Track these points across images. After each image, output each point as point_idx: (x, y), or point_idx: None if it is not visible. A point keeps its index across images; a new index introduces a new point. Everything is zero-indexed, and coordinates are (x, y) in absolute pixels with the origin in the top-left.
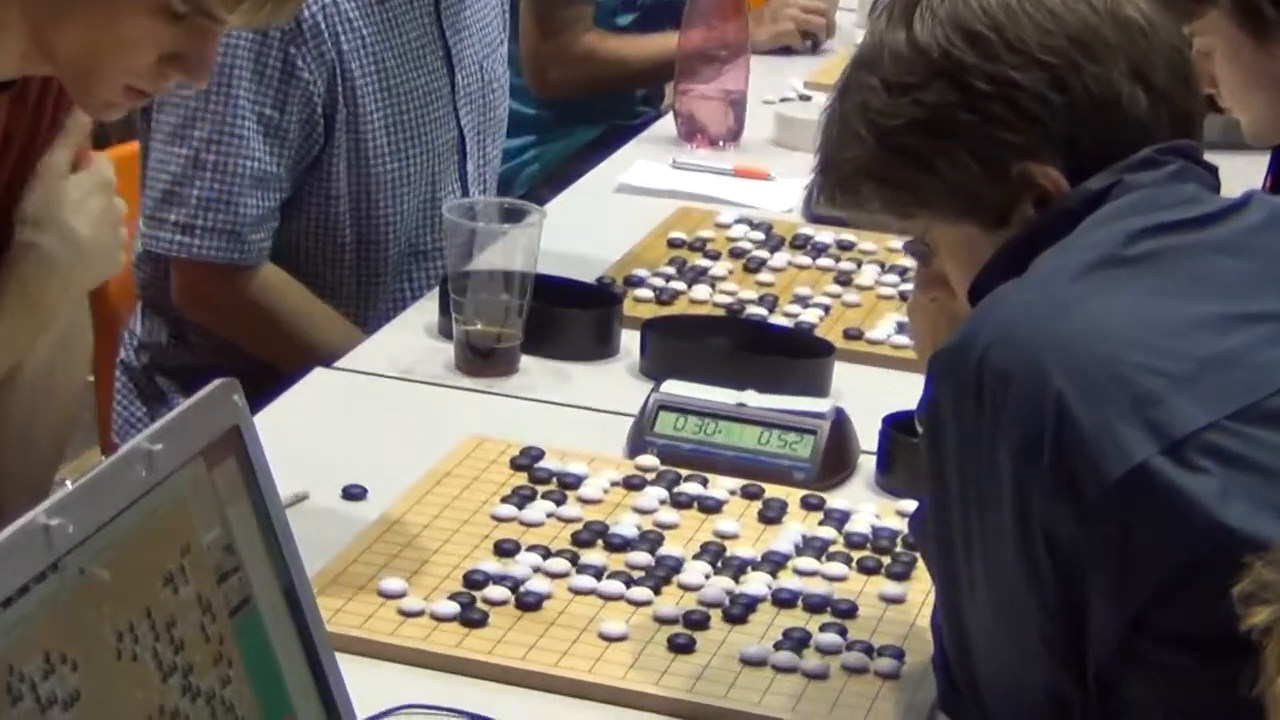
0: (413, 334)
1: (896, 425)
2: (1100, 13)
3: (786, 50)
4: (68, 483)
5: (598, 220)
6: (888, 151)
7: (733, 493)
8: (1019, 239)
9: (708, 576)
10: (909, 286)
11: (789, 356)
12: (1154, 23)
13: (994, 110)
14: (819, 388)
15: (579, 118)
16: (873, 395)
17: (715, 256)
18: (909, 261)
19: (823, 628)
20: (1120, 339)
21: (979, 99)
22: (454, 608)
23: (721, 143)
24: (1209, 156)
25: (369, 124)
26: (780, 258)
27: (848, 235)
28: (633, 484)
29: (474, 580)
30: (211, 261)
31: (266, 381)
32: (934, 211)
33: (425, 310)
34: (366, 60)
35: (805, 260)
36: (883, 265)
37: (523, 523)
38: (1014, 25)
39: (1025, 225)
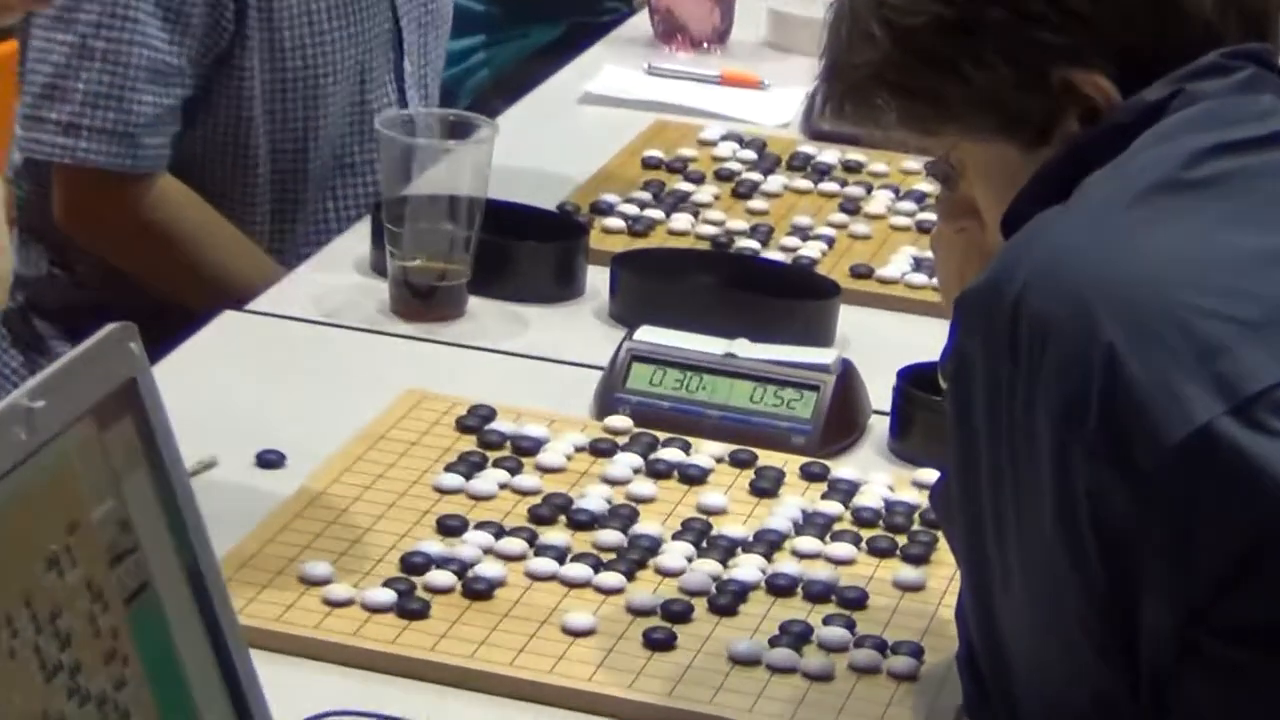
0: (340, 270)
1: (914, 380)
2: None
3: None
4: None
5: (559, 136)
6: (907, 55)
7: (719, 460)
8: (1061, 159)
9: (690, 559)
10: (929, 216)
11: (786, 298)
12: None
13: (1034, 6)
14: (822, 335)
15: (536, 14)
16: (886, 345)
17: (698, 179)
18: (930, 186)
19: (827, 620)
20: (1181, 278)
21: None
22: (389, 596)
23: (705, 44)
24: None
25: (285, 8)
26: (775, 181)
27: (856, 155)
28: (601, 450)
29: (413, 564)
30: (99, 168)
31: (165, 325)
32: (961, 126)
33: (354, 242)
34: None
35: (805, 184)
36: (897, 190)
37: (471, 495)
38: None
39: (1069, 143)
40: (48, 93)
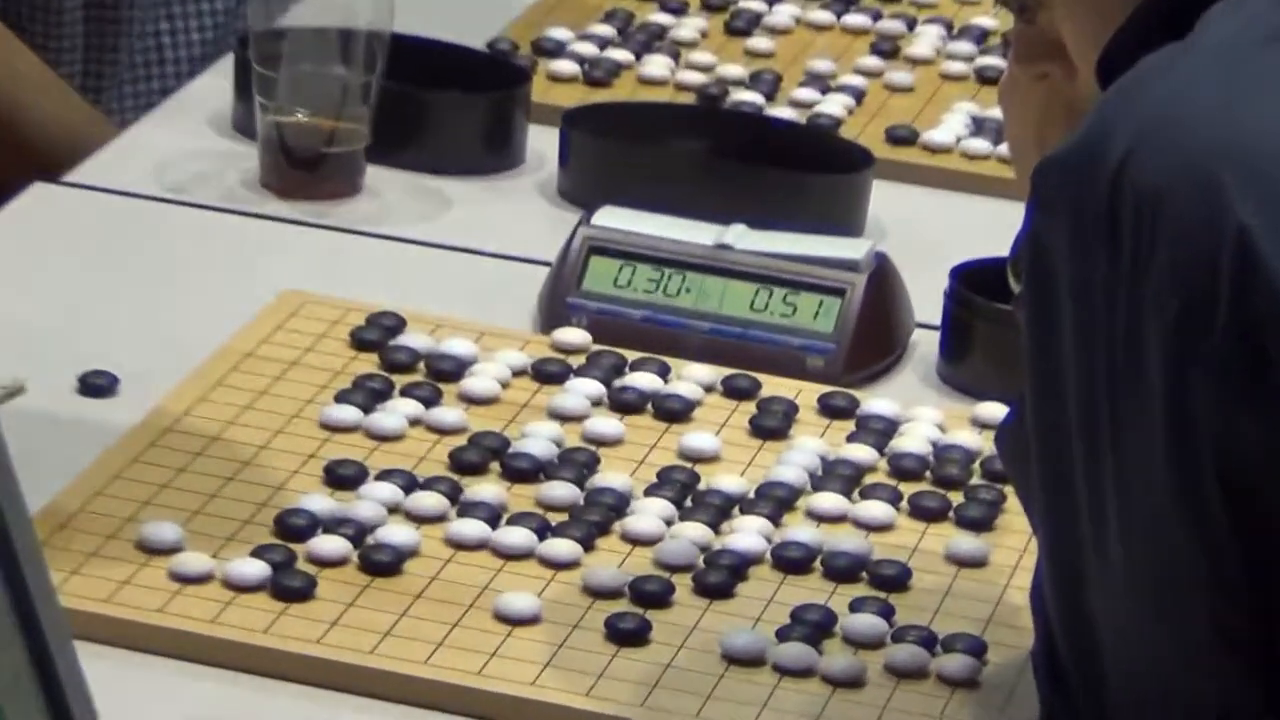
0: (190, 128)
1: (973, 282)
2: None
3: None
4: None
5: None
6: None
7: (709, 389)
8: None
9: (670, 523)
10: (993, 60)
11: (801, 170)
12: None
13: None
14: (849, 221)
15: None
16: (934, 235)
17: (679, 9)
18: (990, 19)
19: (855, 605)
20: None
21: None
22: (261, 570)
23: None
24: None
25: None
26: (784, 12)
27: None
28: (548, 373)
29: (293, 527)
30: None
31: None
32: None
33: (210, 90)
34: None
35: (825, 16)
36: (949, 25)
37: (371, 434)
38: None
39: None
40: None
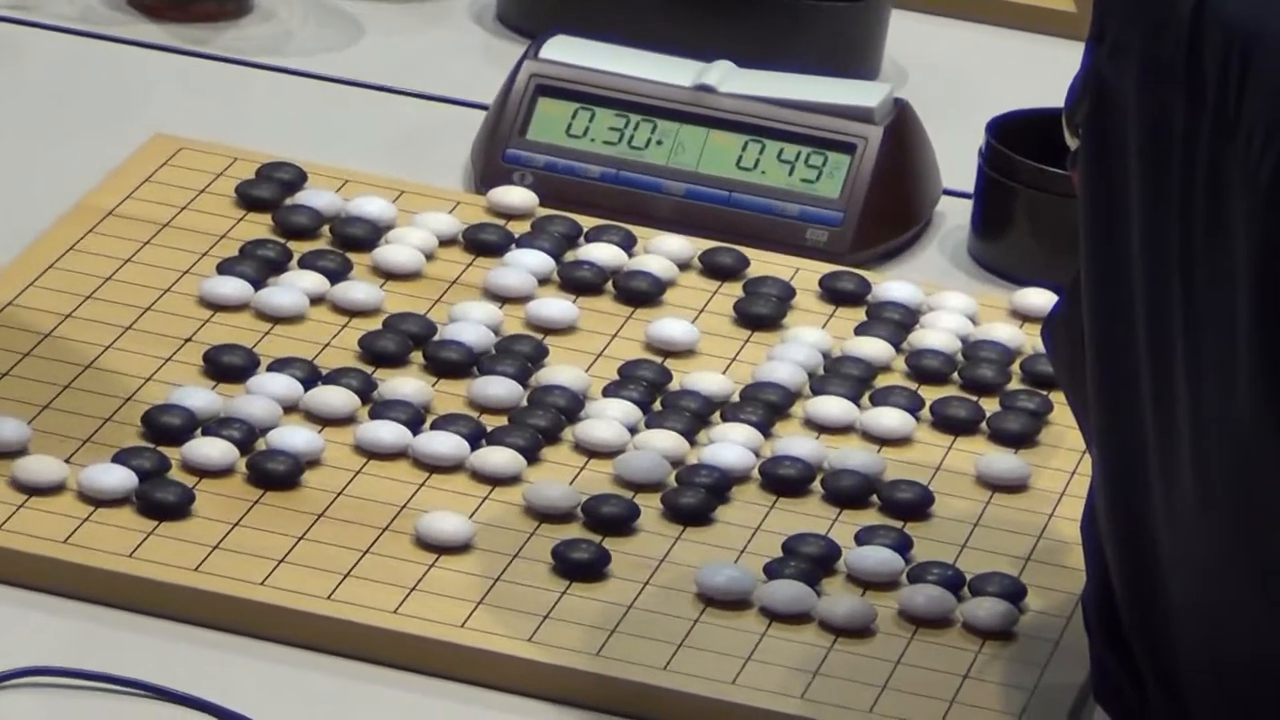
0: None
1: (1013, 137)
2: None
3: None
4: None
5: None
6: None
7: (685, 265)
8: None
9: (634, 430)
10: None
11: None
12: None
13: None
14: (860, 59)
15: None
16: (966, 78)
17: None
18: None
19: (863, 535)
20: None
21: None
22: (126, 479)
23: None
24: None
25: None
26: None
27: None
28: (485, 243)
29: (165, 426)
30: None
31: None
32: None
33: None
34: None
35: None
36: None
37: (263, 314)
38: None
39: None
40: None
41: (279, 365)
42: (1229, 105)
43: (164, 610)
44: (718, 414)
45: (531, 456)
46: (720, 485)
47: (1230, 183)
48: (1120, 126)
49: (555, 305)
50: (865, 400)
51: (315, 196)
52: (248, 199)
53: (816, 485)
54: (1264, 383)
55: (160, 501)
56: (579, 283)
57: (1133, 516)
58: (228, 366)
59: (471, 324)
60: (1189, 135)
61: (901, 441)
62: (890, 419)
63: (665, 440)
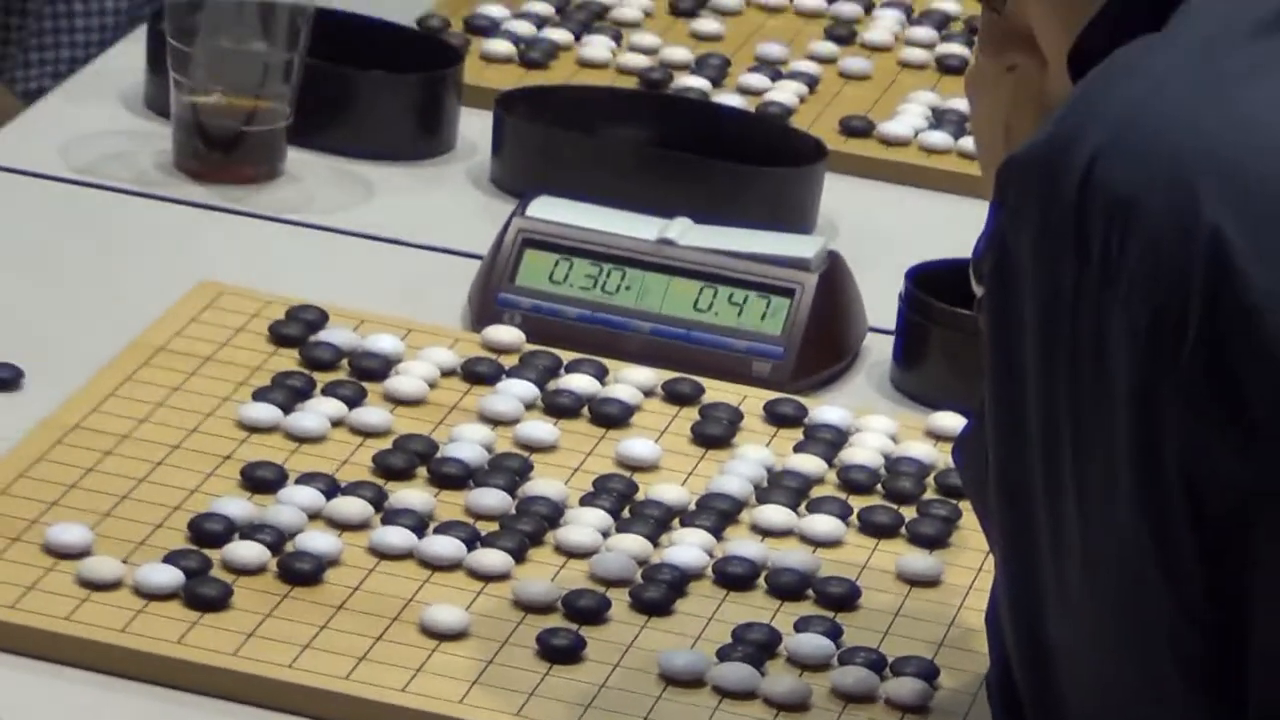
0: (102, 106)
1: (929, 285)
2: None
3: None
4: None
5: None
6: None
7: (649, 393)
8: None
9: (606, 534)
10: (952, 49)
11: (748, 163)
12: None
13: None
14: (799, 217)
15: None
16: (889, 233)
17: None
18: (954, 4)
19: (800, 624)
20: None
21: None
22: (174, 577)
23: None
24: None
25: None
26: None
27: None
28: (479, 374)
29: (208, 532)
30: None
31: None
32: None
33: (122, 67)
34: None
35: None
36: (909, 11)
37: (291, 435)
38: None
39: None
40: None
41: (305, 479)
42: (1111, 262)
43: (208, 689)
44: (677, 520)
45: (519, 557)
46: (679, 581)
47: (1112, 328)
48: (1018, 278)
49: (539, 427)
50: (803, 508)
51: (336, 334)
52: (278, 336)
53: (761, 581)
54: (1139, 494)
55: (204, 596)
56: (559, 408)
57: (1030, 611)
58: (261, 480)
59: (468, 443)
60: (1077, 287)
61: (833, 544)
62: (824, 525)
63: (633, 543)
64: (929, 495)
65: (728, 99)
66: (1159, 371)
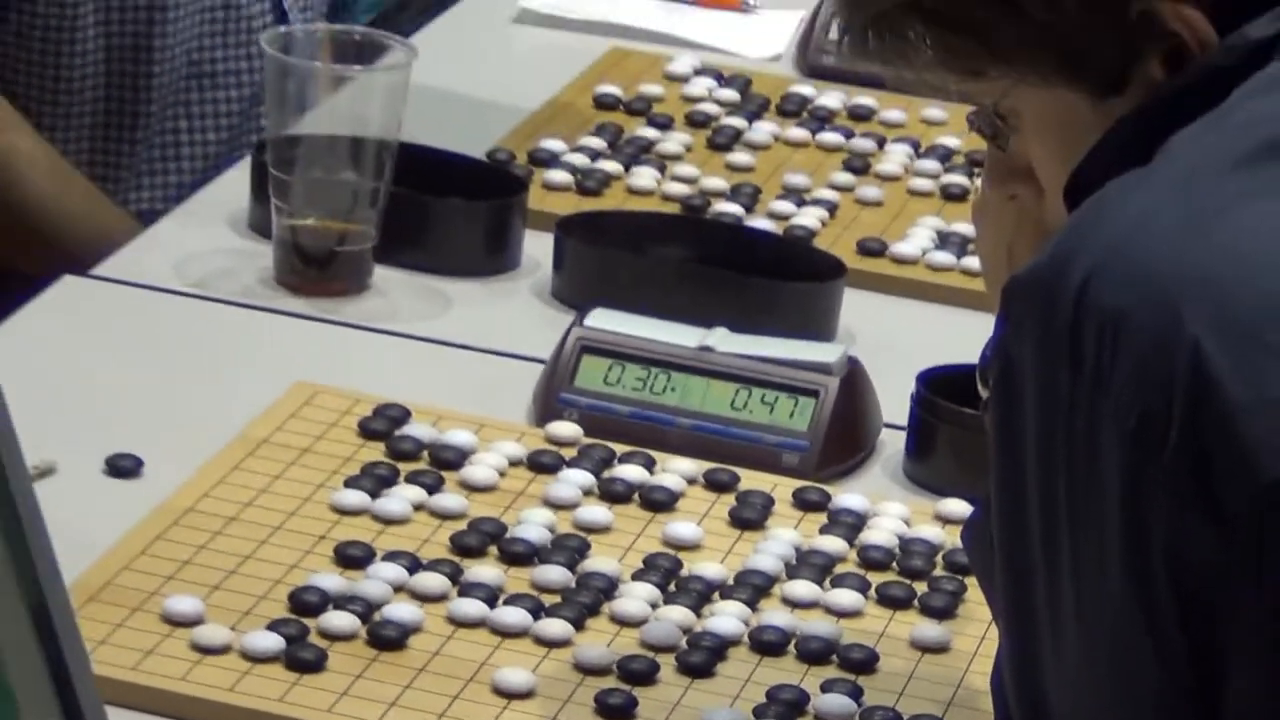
0: (211, 228)
1: (938, 387)
2: None
3: None
4: None
5: (488, 65)
6: None
7: (692, 481)
8: (1141, 112)
9: (655, 605)
10: (956, 179)
11: (777, 279)
12: None
13: None
14: (822, 327)
15: None
16: (902, 342)
17: (665, 125)
18: (955, 139)
19: (826, 686)
20: None
21: None
22: (275, 643)
23: None
24: None
25: None
26: (763, 129)
27: (865, 98)
28: (542, 464)
29: (306, 603)
30: None
31: None
32: (1014, 68)
33: (230, 193)
34: None
35: (801, 134)
36: (916, 145)
37: (378, 518)
38: None
39: (1150, 92)
40: None
41: (390, 556)
42: (1103, 371)
43: None
44: (717, 594)
45: (579, 625)
46: (719, 648)
47: (1103, 429)
48: (1020, 384)
49: (596, 511)
50: (827, 584)
51: (417, 429)
52: (366, 431)
53: (791, 648)
54: (1128, 573)
55: (302, 659)
56: (613, 494)
57: (1029, 675)
58: (351, 557)
59: (533, 525)
60: (1072, 393)
61: (854, 615)
62: (846, 598)
63: (678, 613)
64: (938, 572)
65: (759, 223)
66: (1145, 467)
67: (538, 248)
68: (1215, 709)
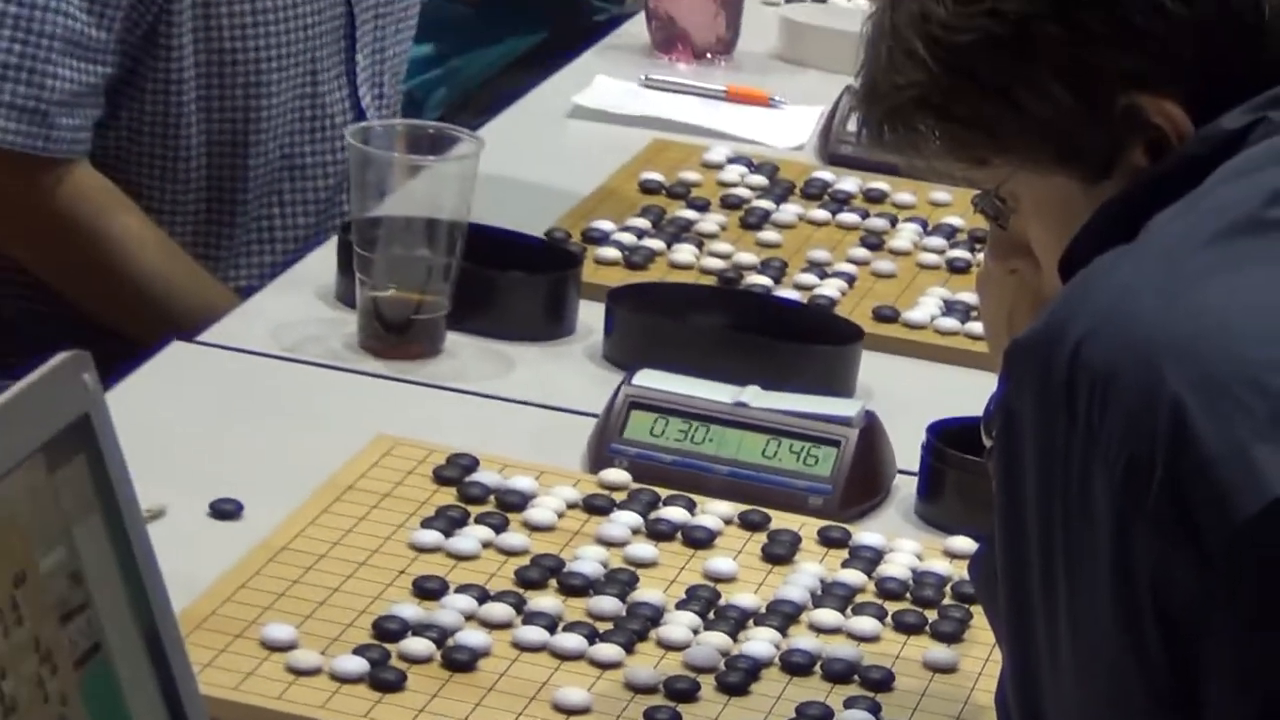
0: (303, 299)
1: (945, 437)
2: None
3: None
4: None
5: (546, 155)
6: (954, 76)
7: (728, 521)
8: (1126, 195)
9: (696, 631)
10: (960, 253)
11: (802, 342)
12: None
13: (1094, 24)
14: (843, 384)
15: (514, 18)
16: (913, 397)
17: (703, 207)
18: (958, 218)
19: (848, 703)
20: (1260, 331)
21: (1074, 8)
22: (361, 665)
23: (709, 55)
24: None
25: None
26: (789, 210)
27: (878, 183)
28: (596, 506)
29: (387, 630)
30: (7, 148)
31: (105, 356)
32: (1014, 157)
33: (319, 269)
34: None
35: (822, 215)
36: (925, 224)
37: (451, 554)
38: None
39: (1135, 177)
40: None
41: (462, 589)
42: (1094, 423)
43: None
44: (751, 621)
45: (629, 650)
46: (754, 669)
47: (1095, 473)
48: (1021, 435)
49: (643, 549)
50: (849, 612)
51: (485, 476)
52: (440, 478)
53: (817, 669)
54: (1117, 600)
55: (384, 680)
56: (659, 533)
57: (1030, 692)
58: (427, 589)
59: (588, 561)
60: (1067, 443)
61: (873, 639)
62: (865, 624)
63: (717, 639)
64: (948, 601)
65: (786, 293)
66: (1132, 507)
67: (591, 315)
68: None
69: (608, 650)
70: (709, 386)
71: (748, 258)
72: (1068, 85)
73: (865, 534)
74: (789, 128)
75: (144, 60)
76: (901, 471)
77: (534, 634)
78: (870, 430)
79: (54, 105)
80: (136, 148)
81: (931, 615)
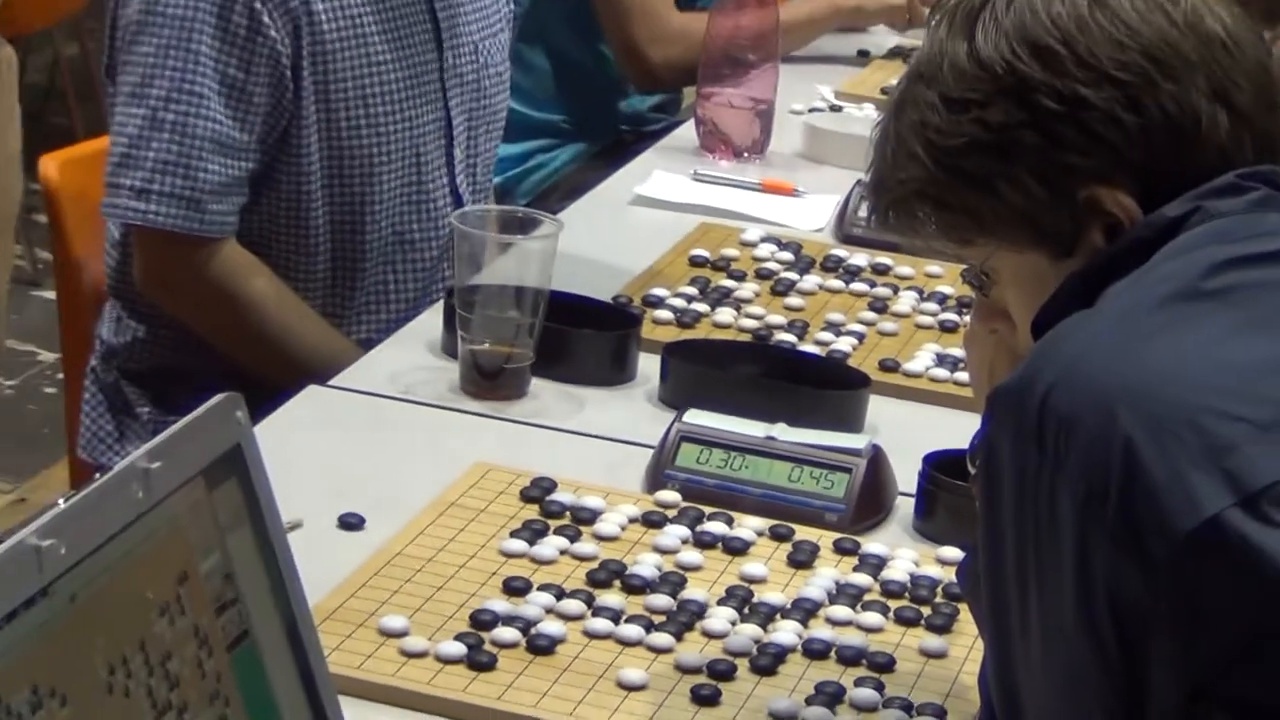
0: (414, 351)
1: (938, 466)
2: (1180, 26)
3: (818, 58)
4: (60, 501)
5: (613, 234)
6: (946, 173)
7: (760, 534)
8: (1087, 269)
9: (734, 623)
10: (950, 315)
11: (821, 387)
12: (1238, 38)
13: (1062, 131)
14: (853, 422)
15: (591, 122)
16: (910, 433)
17: (740, 277)
18: (948, 288)
19: (858, 682)
20: (1195, 381)
21: (1046, 119)
22: (460, 649)
23: (746, 154)
24: None
25: (341, 91)
26: (810, 280)
27: (884, 258)
28: (652, 521)
29: (481, 620)
30: (169, 230)
31: (254, 399)
32: (995, 238)
33: (428, 326)
34: (341, 21)
35: (837, 284)
36: (921, 292)
37: (534, 559)
38: (1085, 38)
39: (1094, 255)
40: (124, 161)
41: (543, 588)
42: (1060, 457)
43: None
44: (778, 615)
45: (679, 638)
46: (781, 654)
47: (1060, 499)
48: (1000, 465)
49: (691, 556)
50: (858, 608)
51: (562, 496)
52: (526, 497)
53: (833, 655)
54: (1078, 602)
55: (479, 662)
56: (704, 543)
57: (1006, 676)
58: (515, 588)
59: (647, 566)
60: (1038, 472)
61: (878, 631)
62: (872, 618)
63: (751, 629)
64: (939, 600)
65: (808, 348)
66: (1091, 526)
67: (649, 365)
68: (1142, 704)
69: (661, 638)
70: (745, 424)
71: (777, 319)
72: (1040, 180)
73: (872, 544)
74: (811, 213)
75: (279, 156)
76: (902, 493)
77: (601, 625)
78: (876, 460)
79: (206, 194)
80: (274, 226)
81: (926, 611)
